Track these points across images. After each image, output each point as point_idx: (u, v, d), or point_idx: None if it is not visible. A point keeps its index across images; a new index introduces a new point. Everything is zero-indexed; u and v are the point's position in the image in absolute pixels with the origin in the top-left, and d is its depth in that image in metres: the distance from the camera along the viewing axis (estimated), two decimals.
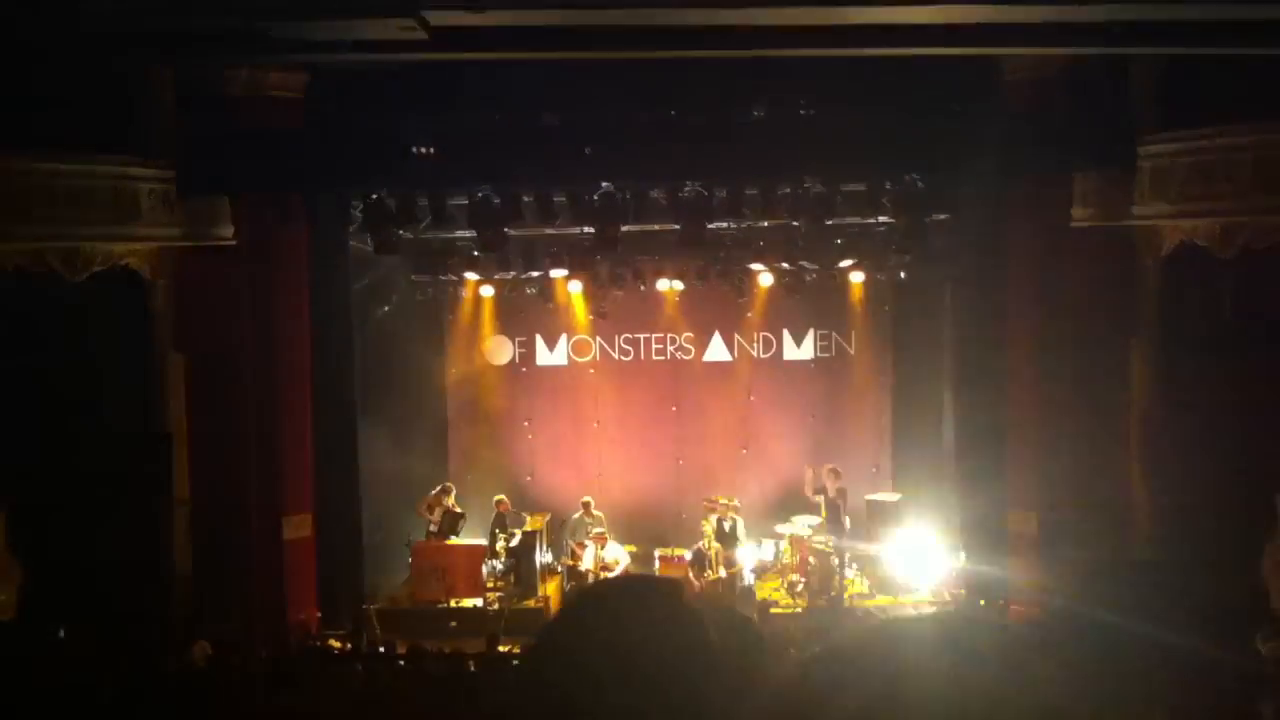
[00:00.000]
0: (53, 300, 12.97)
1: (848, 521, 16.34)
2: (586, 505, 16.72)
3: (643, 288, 16.97)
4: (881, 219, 15.47)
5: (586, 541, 16.29)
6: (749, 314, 17.98)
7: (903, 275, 17.26)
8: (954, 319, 16.14)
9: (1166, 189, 13.22)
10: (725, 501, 16.52)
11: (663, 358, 18.30)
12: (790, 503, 17.25)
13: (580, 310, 17.87)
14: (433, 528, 16.48)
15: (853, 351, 18.15)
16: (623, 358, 18.32)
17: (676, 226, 15.06)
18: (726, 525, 16.16)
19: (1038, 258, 14.31)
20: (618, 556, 16.09)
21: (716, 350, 18.26)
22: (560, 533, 16.93)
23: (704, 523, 16.24)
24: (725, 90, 13.67)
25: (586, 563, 15.92)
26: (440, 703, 11.11)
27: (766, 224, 15.57)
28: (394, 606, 15.93)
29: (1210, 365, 12.91)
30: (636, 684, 1.61)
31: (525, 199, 14.41)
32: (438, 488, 16.82)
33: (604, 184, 14.11)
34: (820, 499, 16.47)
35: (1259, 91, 12.02)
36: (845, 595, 15.47)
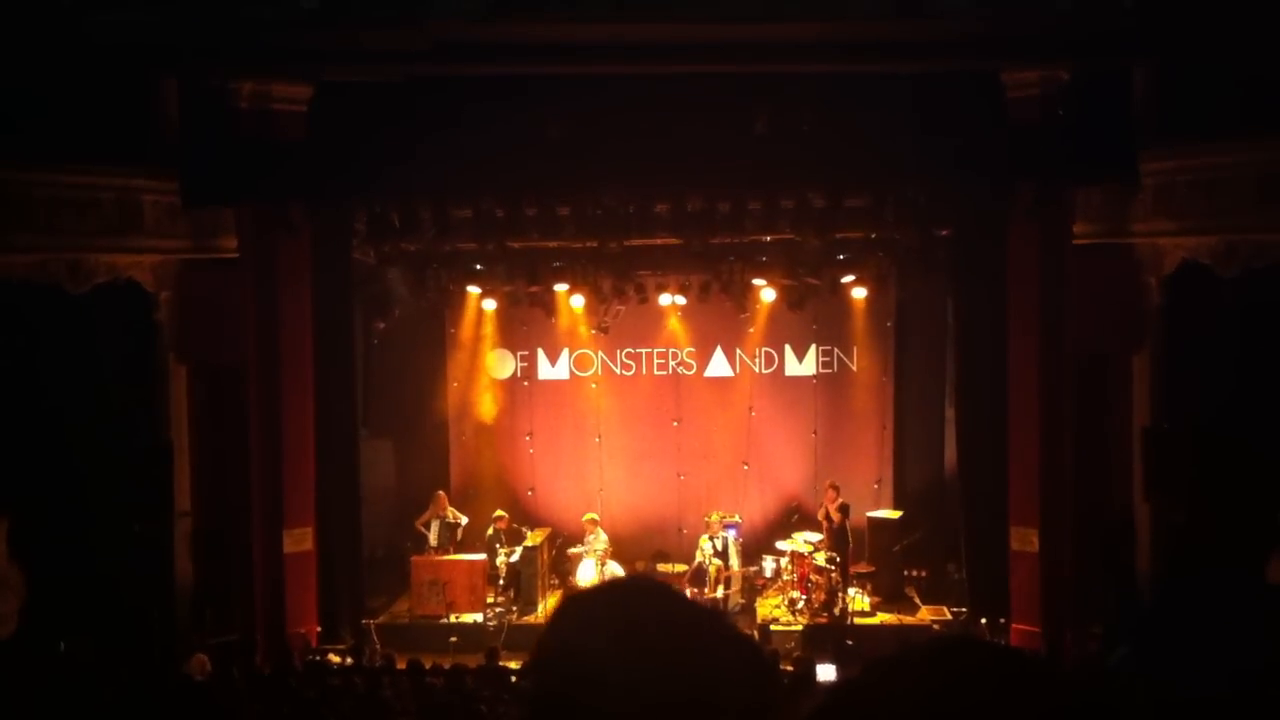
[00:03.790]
0: (57, 312, 12.98)
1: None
2: (593, 521, 16.71)
3: (644, 302, 16.95)
4: (884, 234, 15.49)
5: (585, 556, 16.29)
6: (751, 329, 17.96)
7: (904, 290, 17.26)
8: (955, 335, 16.12)
9: (1169, 205, 13.23)
10: (719, 519, 16.51)
11: (664, 372, 18.27)
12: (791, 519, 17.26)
13: (582, 324, 17.87)
14: (433, 541, 16.44)
15: (854, 367, 18.12)
16: (624, 372, 18.30)
17: (679, 241, 15.08)
18: (718, 544, 16.14)
19: (1040, 273, 14.29)
20: (616, 574, 16.05)
21: (718, 365, 18.24)
22: (565, 549, 16.91)
23: (701, 540, 16.24)
24: (728, 105, 13.69)
25: (587, 579, 15.86)
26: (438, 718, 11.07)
27: (769, 238, 15.58)
28: (394, 621, 15.89)
29: (1215, 382, 12.89)
30: (645, 675, 1.58)
31: (528, 212, 14.42)
32: (431, 503, 16.79)
33: (607, 197, 14.13)
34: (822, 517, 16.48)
35: (1262, 107, 12.04)
36: (848, 613, 15.43)
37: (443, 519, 16.58)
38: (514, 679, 11.98)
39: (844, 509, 16.27)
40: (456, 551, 16.40)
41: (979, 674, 1.28)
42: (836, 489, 16.53)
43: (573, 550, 16.63)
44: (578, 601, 1.73)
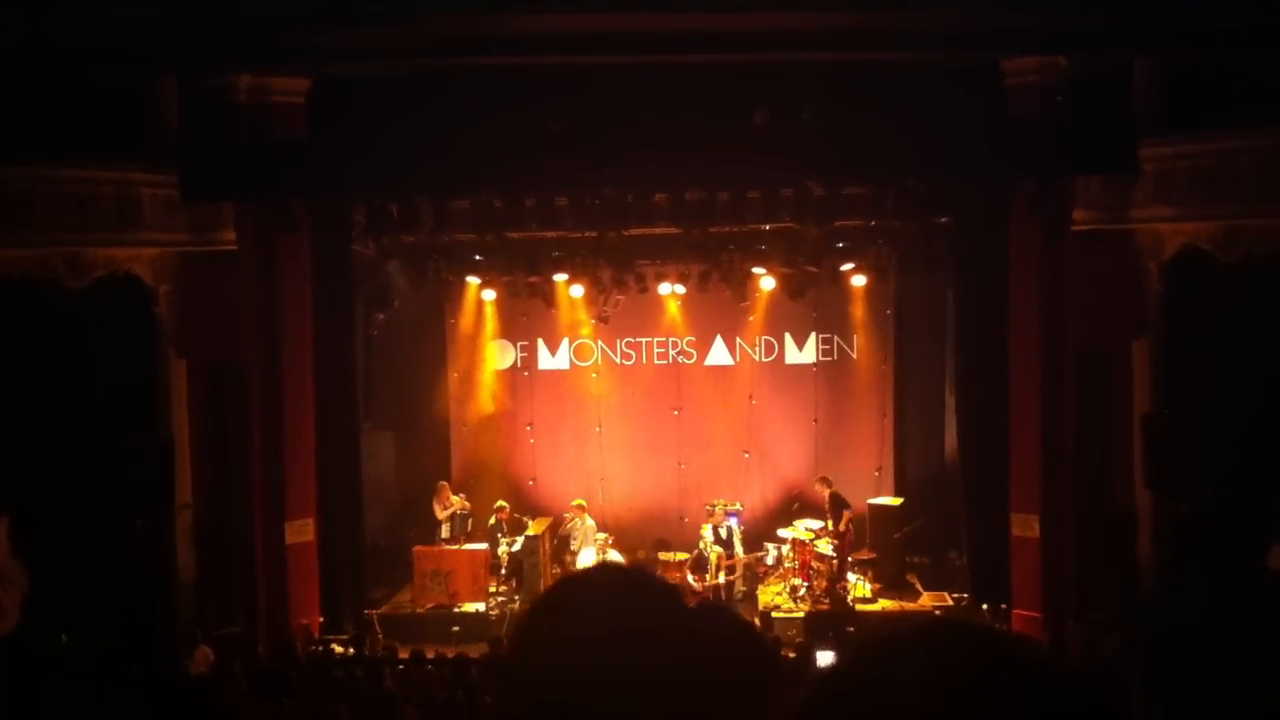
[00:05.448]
0: (57, 307, 12.97)
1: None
2: (580, 508, 16.72)
3: (644, 291, 16.94)
4: (884, 223, 15.48)
5: (577, 546, 16.28)
6: (751, 317, 17.95)
7: (904, 278, 17.25)
8: (956, 322, 16.12)
9: (1168, 192, 13.20)
10: (722, 507, 16.51)
11: (664, 361, 18.28)
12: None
13: (582, 314, 17.86)
14: (445, 532, 16.44)
15: (854, 355, 18.13)
16: (624, 361, 18.30)
17: (678, 230, 15.07)
18: (723, 532, 16.15)
19: (1040, 260, 14.30)
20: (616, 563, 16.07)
21: (718, 354, 18.25)
22: (568, 537, 16.91)
23: (702, 528, 16.25)
24: (729, 96, 13.67)
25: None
26: (441, 708, 11.10)
27: (768, 227, 15.56)
28: (397, 611, 15.92)
29: (1215, 369, 12.88)
30: (626, 672, 1.56)
31: (527, 202, 14.41)
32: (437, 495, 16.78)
33: (606, 188, 14.12)
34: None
35: (1261, 95, 12.02)
36: (849, 599, 15.46)
37: (455, 511, 16.59)
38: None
39: (836, 502, 16.18)
40: (466, 541, 16.43)
41: (970, 657, 1.27)
42: (826, 481, 16.51)
43: (560, 531, 16.68)
44: (573, 590, 1.71)
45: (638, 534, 17.54)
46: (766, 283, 17.11)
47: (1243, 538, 12.02)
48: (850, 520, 16.00)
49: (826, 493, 16.36)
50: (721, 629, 2.34)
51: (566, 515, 16.88)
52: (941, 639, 1.28)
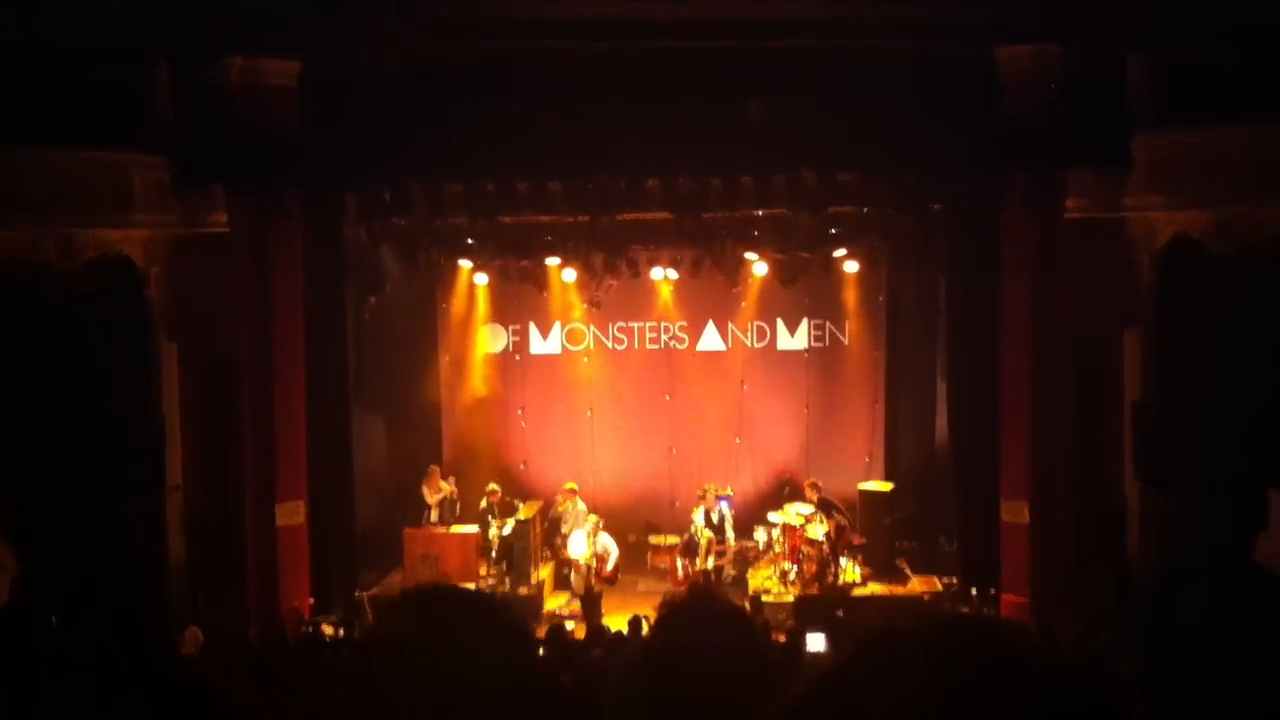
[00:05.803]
0: (48, 289, 12.91)
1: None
2: (572, 491, 16.71)
3: (636, 276, 16.92)
4: (877, 212, 15.47)
5: (568, 530, 16.28)
6: (743, 303, 17.94)
7: (897, 265, 17.25)
8: (947, 309, 16.13)
9: (1162, 182, 13.21)
10: (713, 492, 16.50)
11: (656, 346, 18.27)
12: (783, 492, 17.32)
13: (574, 298, 17.84)
14: (434, 515, 16.44)
15: (846, 341, 18.14)
16: (616, 346, 18.29)
17: (671, 215, 15.06)
18: (714, 516, 16.16)
19: (1032, 249, 14.30)
20: (607, 546, 16.06)
21: (710, 339, 18.24)
22: (559, 521, 16.93)
23: (693, 512, 16.26)
24: (723, 83, 13.64)
25: (579, 552, 15.85)
26: None
27: (761, 213, 15.54)
28: (387, 594, 15.92)
29: (1205, 359, 12.91)
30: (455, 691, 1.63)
31: (519, 187, 14.37)
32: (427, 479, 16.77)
33: (599, 173, 14.10)
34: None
35: (1256, 86, 12.03)
36: (839, 583, 15.50)
37: (445, 496, 16.59)
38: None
39: (825, 506, 16.18)
40: (454, 524, 16.44)
41: (969, 656, 1.26)
42: (815, 487, 16.52)
43: (551, 514, 16.71)
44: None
45: (628, 518, 17.55)
46: (759, 268, 17.11)
47: (1232, 527, 12.07)
48: (839, 522, 15.97)
49: (815, 498, 16.34)
50: (713, 629, 2.36)
51: (558, 499, 16.92)
52: (940, 637, 1.28)
